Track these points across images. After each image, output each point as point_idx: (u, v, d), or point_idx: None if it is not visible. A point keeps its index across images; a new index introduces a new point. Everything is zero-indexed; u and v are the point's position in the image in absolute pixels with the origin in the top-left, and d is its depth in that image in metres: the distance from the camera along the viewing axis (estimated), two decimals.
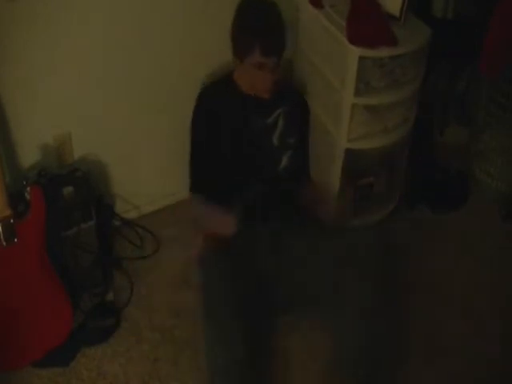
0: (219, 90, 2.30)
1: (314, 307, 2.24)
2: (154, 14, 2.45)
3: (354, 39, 2.37)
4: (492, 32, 2.62)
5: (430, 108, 3.08)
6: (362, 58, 2.36)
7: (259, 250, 2.25)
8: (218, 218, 2.15)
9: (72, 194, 2.37)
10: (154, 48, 2.52)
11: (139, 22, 2.43)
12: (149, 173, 2.80)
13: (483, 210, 3.04)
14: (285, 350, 2.39)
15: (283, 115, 2.29)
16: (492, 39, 2.63)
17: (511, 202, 3.03)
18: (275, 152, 2.33)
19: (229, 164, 2.28)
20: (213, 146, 2.25)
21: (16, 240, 2.09)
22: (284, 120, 2.30)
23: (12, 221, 2.06)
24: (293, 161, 2.34)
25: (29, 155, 2.43)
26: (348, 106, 2.47)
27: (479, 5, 2.79)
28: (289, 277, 2.20)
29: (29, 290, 2.20)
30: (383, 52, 2.38)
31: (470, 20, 2.83)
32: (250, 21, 2.13)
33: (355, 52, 2.35)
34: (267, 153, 2.33)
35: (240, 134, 2.27)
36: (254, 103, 2.23)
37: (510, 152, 3.05)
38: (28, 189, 2.15)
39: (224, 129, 2.25)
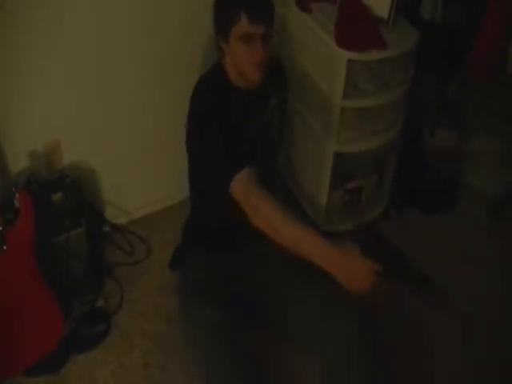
0: (213, 87, 2.10)
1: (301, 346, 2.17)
2: (147, 18, 2.44)
3: (342, 42, 2.37)
4: (488, 32, 2.64)
5: (420, 110, 3.09)
6: (350, 62, 2.36)
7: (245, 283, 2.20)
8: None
9: (62, 201, 2.36)
10: (146, 56, 2.52)
11: (130, 27, 2.42)
12: (139, 178, 2.79)
13: (474, 212, 3.04)
14: None
15: (278, 107, 2.26)
16: (488, 39, 2.65)
17: (502, 204, 3.04)
18: (274, 148, 2.31)
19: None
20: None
21: (5, 247, 2.08)
22: (279, 112, 2.27)
23: (1, 228, 2.06)
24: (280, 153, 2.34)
25: (18, 162, 2.41)
26: (337, 110, 2.47)
27: (468, 8, 2.80)
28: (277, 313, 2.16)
29: (19, 297, 2.18)
30: (372, 55, 2.38)
31: (459, 23, 2.85)
32: None
33: (344, 55, 2.35)
34: (268, 150, 2.29)
35: (239, 133, 2.11)
36: (247, 99, 2.12)
37: (500, 155, 3.06)
38: (17, 195, 2.13)
39: (224, 128, 2.03)
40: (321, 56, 2.49)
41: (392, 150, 2.82)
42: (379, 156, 2.78)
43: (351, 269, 1.77)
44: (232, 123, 2.06)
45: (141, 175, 2.79)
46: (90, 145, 2.56)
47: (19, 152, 2.41)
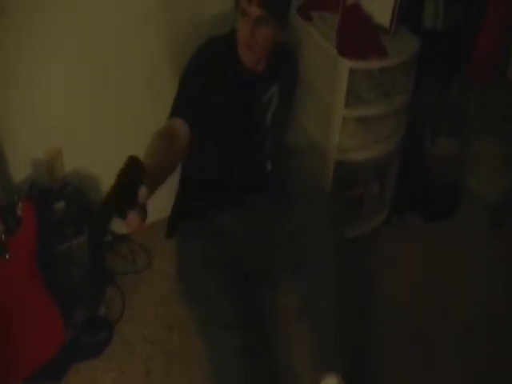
0: (208, 63, 2.16)
1: (287, 272, 2.35)
2: (147, 22, 2.44)
3: (343, 51, 2.37)
4: (488, 32, 2.65)
5: (420, 116, 3.09)
6: (352, 70, 2.36)
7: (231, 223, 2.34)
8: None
9: (64, 209, 2.36)
10: (146, 60, 2.52)
11: (130, 31, 2.42)
12: None
13: (474, 218, 3.05)
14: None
15: (278, 93, 2.31)
16: (488, 39, 2.66)
17: (502, 210, 3.04)
18: (265, 131, 2.34)
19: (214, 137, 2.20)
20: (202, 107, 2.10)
21: (7, 256, 2.08)
22: (279, 98, 2.32)
23: (3, 236, 2.06)
24: (279, 138, 2.41)
25: (19, 169, 2.41)
26: (338, 119, 2.47)
27: (468, 8, 2.80)
28: (262, 244, 2.29)
29: (20, 305, 2.18)
30: (374, 64, 2.39)
31: (459, 23, 2.84)
32: None
33: (346, 64, 2.35)
34: (257, 132, 2.32)
35: (232, 108, 2.21)
36: (250, 77, 2.20)
37: (501, 160, 3.06)
38: (19, 204, 2.14)
39: (216, 97, 2.13)
40: (322, 65, 2.49)
41: (394, 158, 2.82)
42: (381, 164, 2.78)
43: None
44: (223, 104, 2.14)
45: None
46: (91, 153, 2.56)
47: (21, 160, 2.41)
